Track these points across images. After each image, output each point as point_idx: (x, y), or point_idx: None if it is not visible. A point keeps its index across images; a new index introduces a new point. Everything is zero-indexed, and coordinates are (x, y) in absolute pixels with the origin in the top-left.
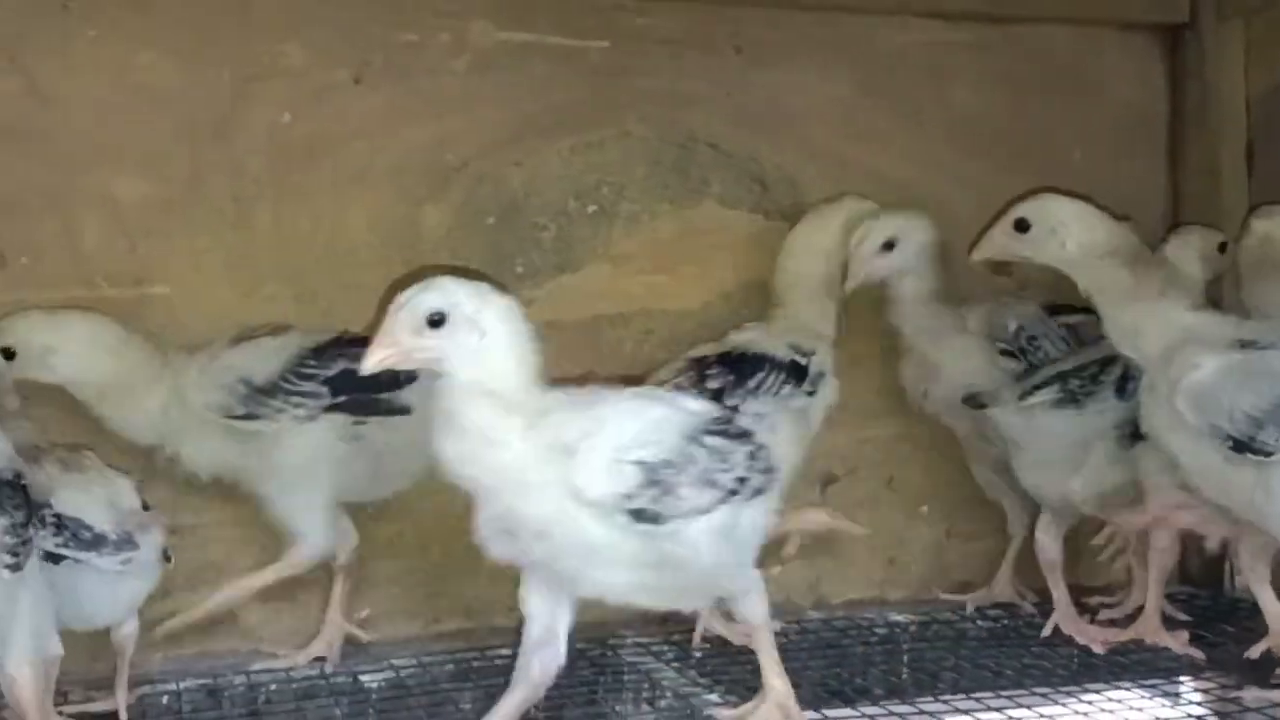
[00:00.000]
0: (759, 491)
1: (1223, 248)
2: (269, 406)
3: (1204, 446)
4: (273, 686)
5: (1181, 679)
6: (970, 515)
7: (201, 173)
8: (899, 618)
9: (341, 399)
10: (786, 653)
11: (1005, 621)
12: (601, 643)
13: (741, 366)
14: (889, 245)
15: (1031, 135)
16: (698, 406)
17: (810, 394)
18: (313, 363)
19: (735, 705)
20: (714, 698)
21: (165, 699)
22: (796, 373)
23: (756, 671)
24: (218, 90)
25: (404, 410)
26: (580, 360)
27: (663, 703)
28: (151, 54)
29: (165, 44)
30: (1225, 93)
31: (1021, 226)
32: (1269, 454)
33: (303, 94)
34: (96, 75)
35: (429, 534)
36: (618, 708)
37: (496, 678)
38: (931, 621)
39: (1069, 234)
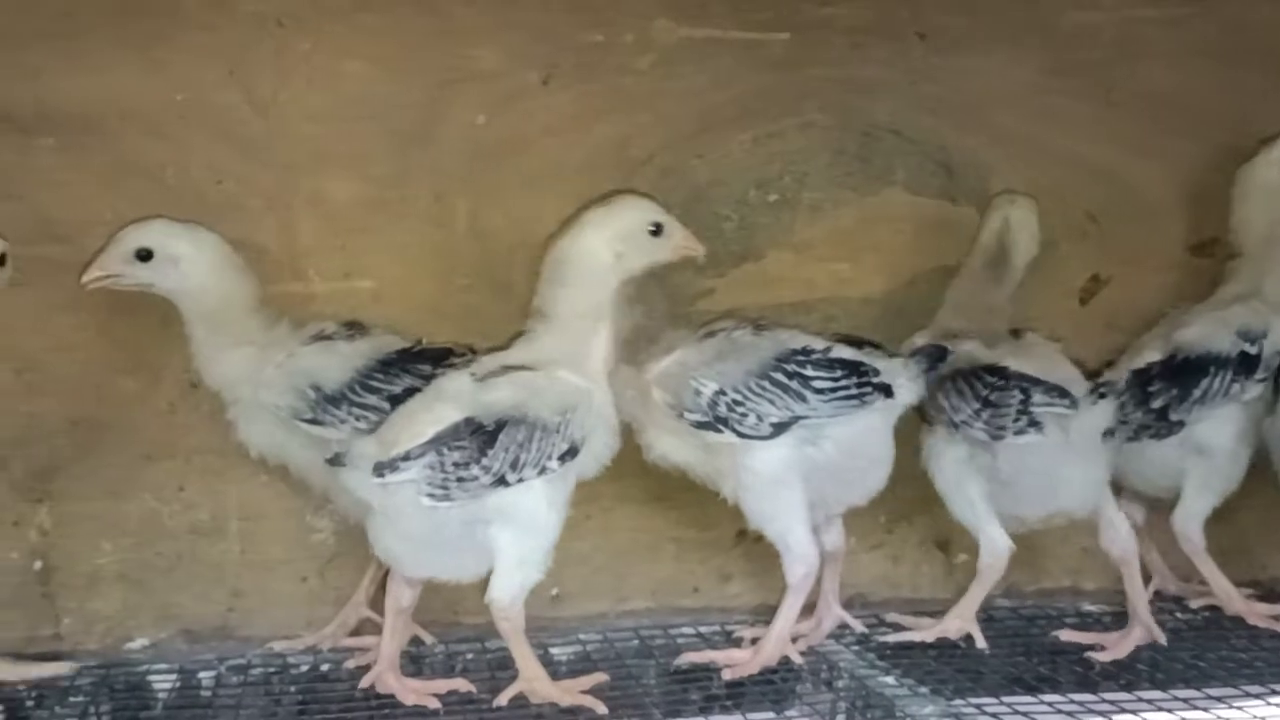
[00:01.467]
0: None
1: None
2: (334, 415)
3: None
4: (469, 656)
5: None
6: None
7: (404, 173)
8: (1092, 608)
9: None
10: (969, 639)
11: (1206, 614)
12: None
13: (1185, 377)
14: None
15: (1230, 110)
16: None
17: (1262, 381)
18: (380, 376)
19: (913, 690)
20: (891, 680)
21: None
22: (1246, 365)
23: (940, 655)
24: (418, 95)
25: None
26: None
27: (840, 684)
28: (358, 63)
29: (370, 54)
30: None
31: None
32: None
33: (496, 96)
34: (309, 85)
35: (614, 518)
36: (796, 688)
37: (678, 655)
38: (1125, 613)
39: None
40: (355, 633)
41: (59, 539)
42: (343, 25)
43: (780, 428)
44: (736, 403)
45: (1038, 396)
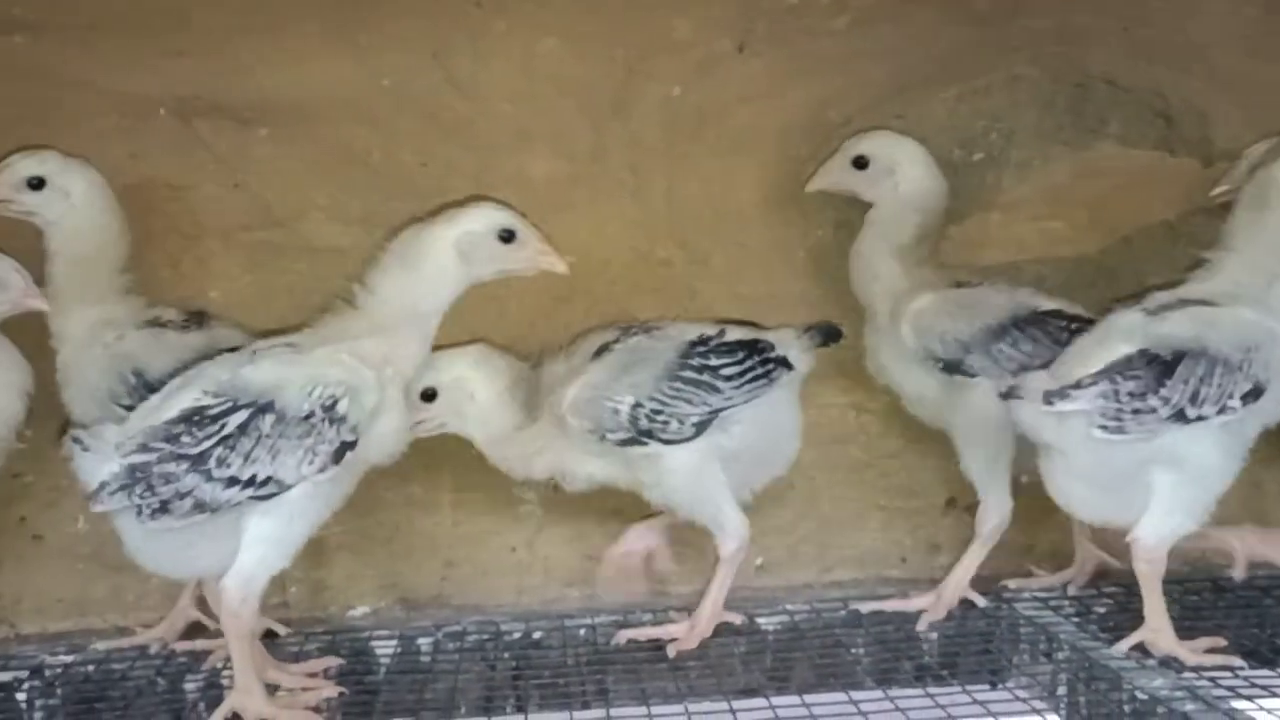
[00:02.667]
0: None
1: None
2: None
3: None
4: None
5: None
6: None
7: (602, 148)
8: None
9: None
10: (1201, 611)
11: None
12: (996, 595)
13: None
14: None
15: None
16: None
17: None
18: None
19: (1140, 662)
20: (1115, 652)
21: (582, 632)
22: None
23: None
24: (613, 69)
25: None
26: None
27: (1060, 655)
28: (553, 41)
29: (565, 31)
30: None
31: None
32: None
33: (690, 66)
34: (506, 64)
35: (817, 487)
36: (1014, 659)
37: (886, 625)
38: None
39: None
40: (185, 636)
41: None
42: (537, 4)
43: (702, 426)
44: (656, 411)
45: None
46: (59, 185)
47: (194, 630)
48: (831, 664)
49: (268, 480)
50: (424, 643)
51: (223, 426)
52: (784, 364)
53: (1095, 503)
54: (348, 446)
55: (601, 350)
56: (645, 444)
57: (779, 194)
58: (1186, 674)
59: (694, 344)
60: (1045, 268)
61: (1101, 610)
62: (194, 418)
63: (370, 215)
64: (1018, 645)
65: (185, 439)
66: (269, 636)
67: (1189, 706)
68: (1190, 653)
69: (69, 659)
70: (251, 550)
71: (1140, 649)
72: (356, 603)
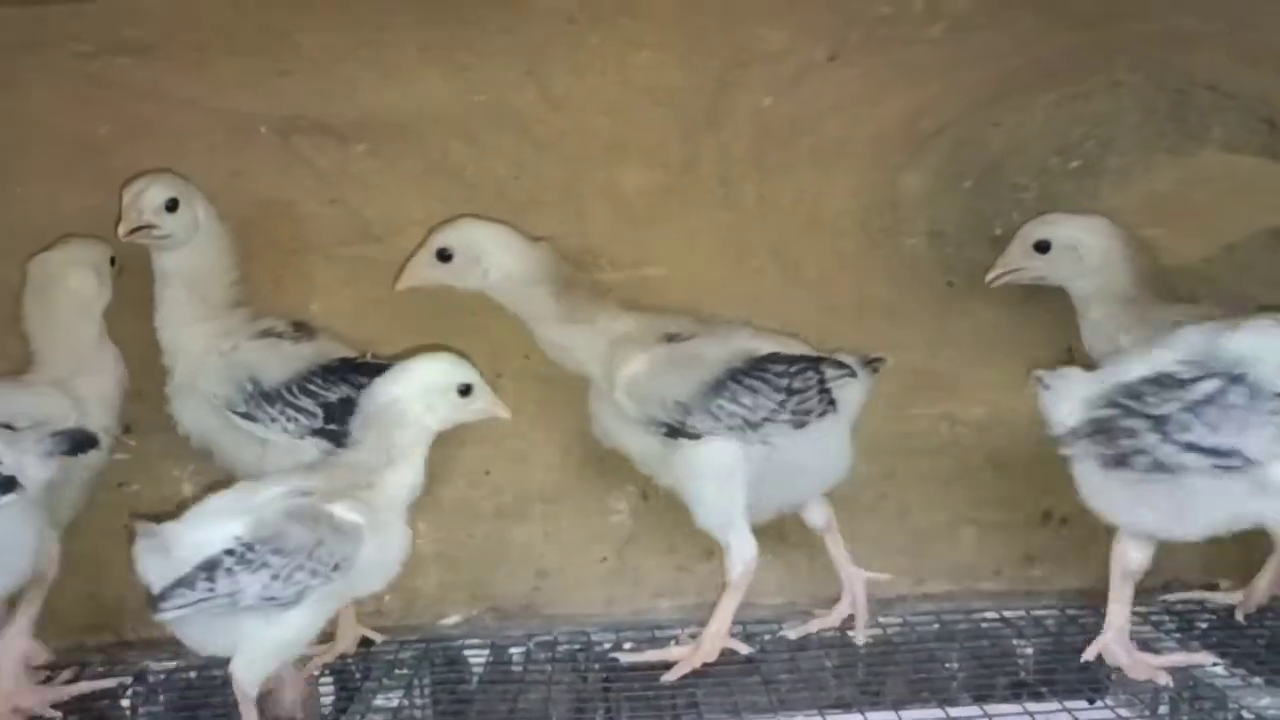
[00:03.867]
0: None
1: None
2: (267, 412)
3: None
4: (766, 637)
5: None
6: None
7: (694, 159)
8: None
9: (332, 427)
10: None
11: None
12: (1095, 610)
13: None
14: None
15: None
16: None
17: None
18: (319, 381)
19: (1246, 680)
20: (1220, 670)
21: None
22: None
23: (1272, 643)
24: (705, 81)
25: None
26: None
27: None
28: (646, 53)
29: (658, 43)
30: None
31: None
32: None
33: (782, 76)
34: (601, 78)
35: (910, 498)
36: (1113, 675)
37: (980, 640)
38: None
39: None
40: None
41: None
42: (631, 17)
43: (743, 430)
44: (704, 413)
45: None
46: (190, 206)
47: None
48: (925, 679)
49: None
50: (515, 652)
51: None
52: (829, 400)
53: None
54: None
55: (671, 338)
56: (682, 438)
57: (872, 202)
58: None
59: (760, 358)
60: None
61: (1204, 625)
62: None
63: None
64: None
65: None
66: (365, 644)
67: None
68: (1141, 664)
69: (172, 665)
70: None
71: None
72: (449, 611)
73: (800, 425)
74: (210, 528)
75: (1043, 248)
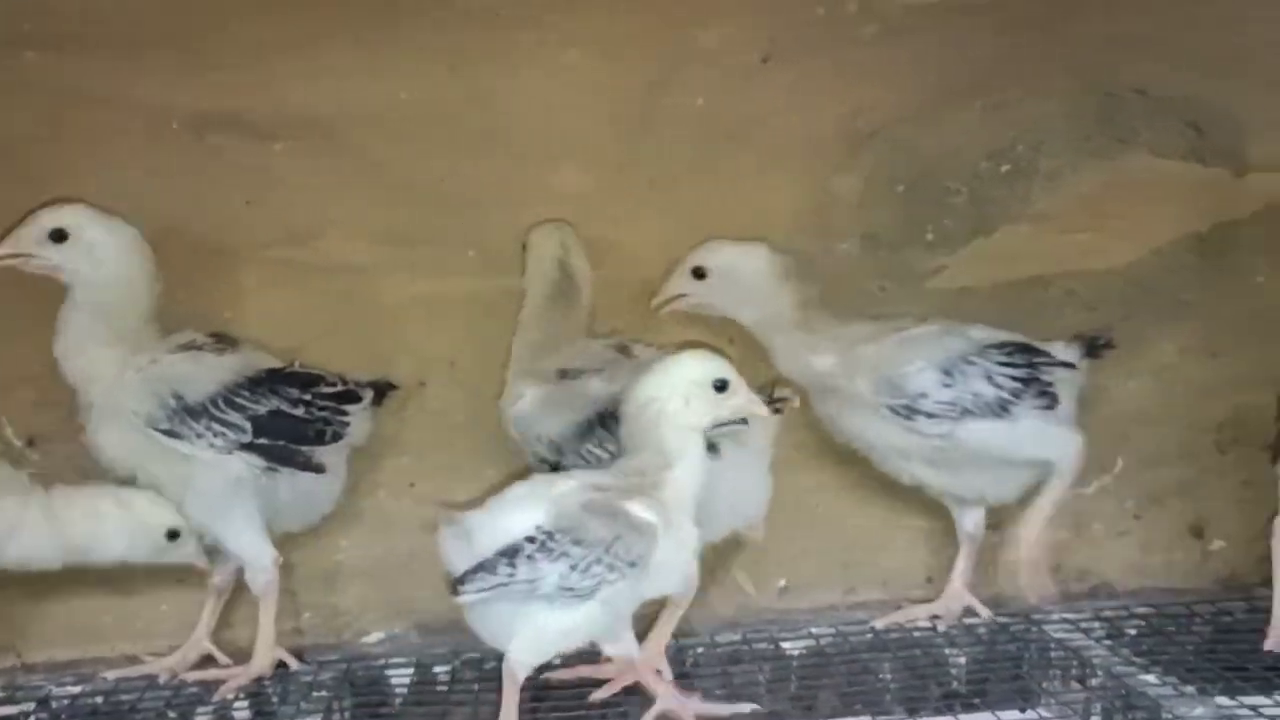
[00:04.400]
0: None
1: None
2: (192, 428)
3: None
4: (699, 650)
5: None
6: None
7: (627, 160)
8: None
9: (262, 441)
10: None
11: None
12: (1026, 617)
13: None
14: None
15: None
16: None
17: None
18: (246, 394)
19: (1179, 689)
20: (1153, 679)
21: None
22: None
23: (1199, 652)
24: (638, 81)
25: (319, 468)
26: (1000, 326)
27: (1094, 681)
28: (577, 52)
29: (589, 42)
30: None
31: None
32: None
33: (716, 78)
34: (530, 76)
35: (842, 506)
36: (1044, 684)
37: (913, 649)
38: None
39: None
40: (197, 666)
41: (299, 535)
42: (560, 14)
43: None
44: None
45: None
46: (84, 239)
47: (206, 661)
48: (858, 690)
49: None
50: (441, 671)
51: None
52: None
53: None
54: None
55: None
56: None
57: (805, 206)
58: (1224, 701)
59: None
60: (1074, 281)
61: (1133, 632)
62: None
63: (391, 230)
64: (1048, 670)
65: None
66: (281, 667)
67: None
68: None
69: (76, 690)
70: None
71: None
72: (371, 629)
73: None
74: (512, 515)
75: (700, 274)
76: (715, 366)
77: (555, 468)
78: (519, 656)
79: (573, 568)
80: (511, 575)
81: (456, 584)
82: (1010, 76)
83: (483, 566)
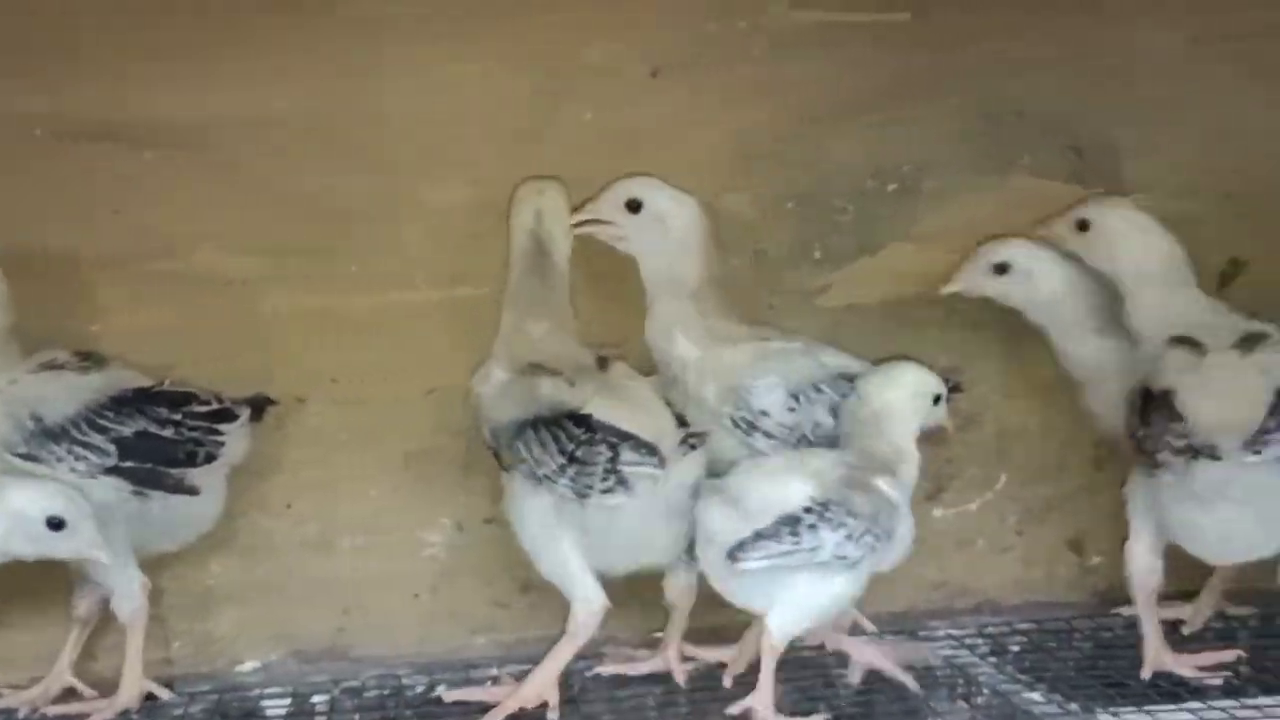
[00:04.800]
0: None
1: None
2: (52, 452)
3: None
4: (587, 674)
5: None
6: None
7: (512, 174)
8: (1237, 612)
9: (129, 464)
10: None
11: None
12: (910, 635)
13: None
14: None
15: None
16: None
17: None
18: (110, 415)
19: (1063, 707)
20: (1037, 696)
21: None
22: None
23: (1080, 667)
24: (524, 93)
25: (191, 490)
26: (882, 344)
27: (980, 699)
28: (462, 64)
29: (474, 53)
30: None
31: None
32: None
33: (604, 91)
34: (414, 89)
35: None
36: (931, 703)
37: (804, 669)
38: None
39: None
40: (59, 700)
41: (167, 559)
42: (446, 26)
43: None
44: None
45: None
46: None
47: (68, 695)
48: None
49: None
50: (319, 700)
51: None
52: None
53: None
54: None
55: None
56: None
57: None
58: (1103, 715)
59: (577, 414)
60: (958, 300)
61: (1016, 649)
62: None
63: (269, 243)
64: (935, 689)
65: None
66: (149, 700)
67: None
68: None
69: None
70: None
71: None
72: (245, 656)
73: (582, 496)
74: (782, 484)
75: (634, 207)
76: (937, 382)
77: (496, 456)
78: (781, 625)
79: (848, 537)
80: (796, 544)
81: (734, 552)
82: (898, 96)
83: (762, 534)
